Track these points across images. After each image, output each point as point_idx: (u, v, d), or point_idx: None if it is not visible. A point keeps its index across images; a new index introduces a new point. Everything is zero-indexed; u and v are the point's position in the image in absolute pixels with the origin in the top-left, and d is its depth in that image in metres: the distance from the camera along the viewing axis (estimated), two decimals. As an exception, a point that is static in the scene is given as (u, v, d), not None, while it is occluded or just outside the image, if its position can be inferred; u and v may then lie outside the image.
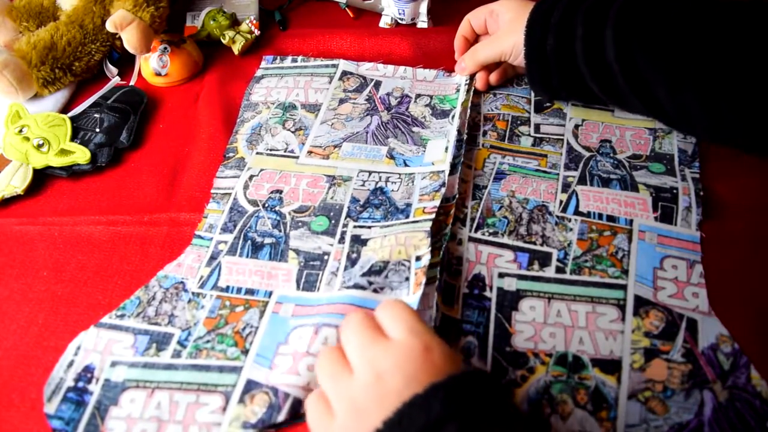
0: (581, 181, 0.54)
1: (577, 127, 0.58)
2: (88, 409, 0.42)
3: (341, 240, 0.50)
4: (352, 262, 0.49)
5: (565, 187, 0.53)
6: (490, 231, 0.51)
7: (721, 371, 0.42)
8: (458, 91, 0.62)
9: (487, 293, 0.47)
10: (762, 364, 0.42)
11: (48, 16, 0.68)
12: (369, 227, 0.51)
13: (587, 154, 0.56)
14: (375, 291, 0.46)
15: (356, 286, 0.46)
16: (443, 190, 0.52)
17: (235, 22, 0.69)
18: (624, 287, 0.47)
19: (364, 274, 0.47)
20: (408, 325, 0.36)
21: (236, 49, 0.68)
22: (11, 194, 0.55)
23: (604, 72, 0.50)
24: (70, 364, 0.44)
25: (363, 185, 0.54)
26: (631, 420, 0.41)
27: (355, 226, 0.51)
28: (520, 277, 0.48)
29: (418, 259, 0.47)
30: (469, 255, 0.49)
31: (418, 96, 0.62)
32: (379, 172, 0.55)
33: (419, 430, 0.31)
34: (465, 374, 0.34)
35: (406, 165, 0.56)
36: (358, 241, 0.50)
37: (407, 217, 0.51)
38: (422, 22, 0.71)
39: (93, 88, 0.66)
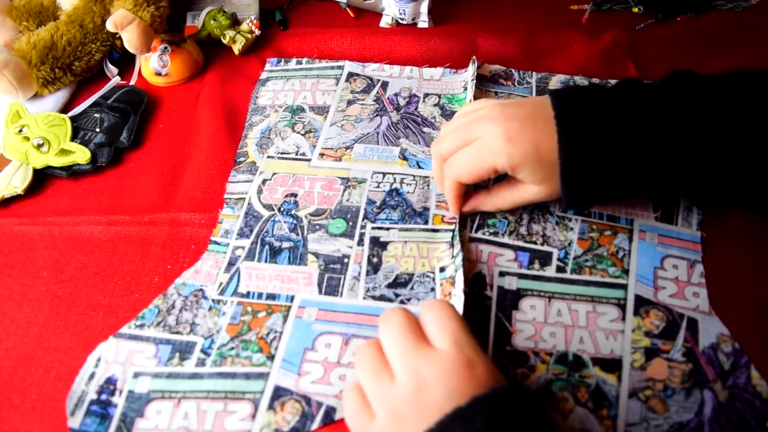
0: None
1: (577, 126, 0.58)
2: (113, 422, 0.42)
3: (360, 242, 0.50)
4: (374, 267, 0.49)
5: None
6: (491, 231, 0.51)
7: (722, 371, 0.42)
8: (466, 89, 0.62)
9: (488, 292, 0.47)
10: (762, 364, 0.43)
11: (48, 16, 0.68)
12: (387, 229, 0.51)
13: (587, 153, 0.56)
14: (402, 302, 0.47)
15: (383, 298, 0.47)
16: None
17: (235, 22, 0.69)
18: (624, 287, 0.47)
19: (389, 286, 0.48)
20: (454, 337, 0.36)
21: (237, 48, 0.68)
22: (11, 194, 0.55)
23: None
24: (91, 376, 0.44)
25: (378, 186, 0.54)
26: (631, 418, 0.41)
27: (373, 228, 0.51)
28: (521, 276, 0.48)
29: (442, 270, 0.48)
30: (470, 255, 0.49)
31: (426, 95, 0.62)
32: (393, 174, 0.55)
33: None
34: (508, 389, 0.34)
35: (419, 167, 0.56)
36: (378, 244, 0.50)
37: (426, 222, 0.51)
38: (423, 22, 0.71)
39: (93, 88, 0.65)
